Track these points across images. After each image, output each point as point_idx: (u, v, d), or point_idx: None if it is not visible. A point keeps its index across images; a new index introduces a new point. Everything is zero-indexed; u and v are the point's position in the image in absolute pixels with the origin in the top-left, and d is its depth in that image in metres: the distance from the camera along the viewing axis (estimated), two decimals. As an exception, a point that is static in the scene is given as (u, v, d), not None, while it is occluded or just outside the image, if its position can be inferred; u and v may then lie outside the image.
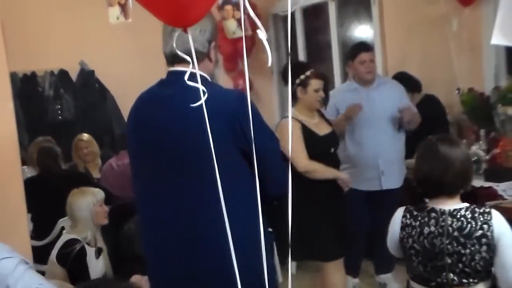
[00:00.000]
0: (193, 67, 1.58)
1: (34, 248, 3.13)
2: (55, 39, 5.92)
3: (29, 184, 3.42)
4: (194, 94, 1.57)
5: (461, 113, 4.27)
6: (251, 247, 1.83)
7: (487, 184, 3.47)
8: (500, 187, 3.40)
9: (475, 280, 2.09)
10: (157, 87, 2.07)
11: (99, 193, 3.32)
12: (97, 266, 3.15)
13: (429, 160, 2.14)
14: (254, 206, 1.97)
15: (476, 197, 3.31)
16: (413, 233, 2.16)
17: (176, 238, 1.98)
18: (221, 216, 1.59)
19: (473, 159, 3.71)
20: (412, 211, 2.20)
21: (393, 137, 3.84)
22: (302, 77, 3.27)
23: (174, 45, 1.69)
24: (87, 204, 3.21)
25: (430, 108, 4.24)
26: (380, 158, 3.75)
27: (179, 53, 1.61)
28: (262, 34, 1.43)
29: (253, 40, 6.19)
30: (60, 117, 5.99)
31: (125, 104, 2.13)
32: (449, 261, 2.08)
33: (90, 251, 3.14)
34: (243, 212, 1.87)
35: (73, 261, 3.05)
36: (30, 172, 4.43)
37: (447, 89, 4.41)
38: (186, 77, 1.54)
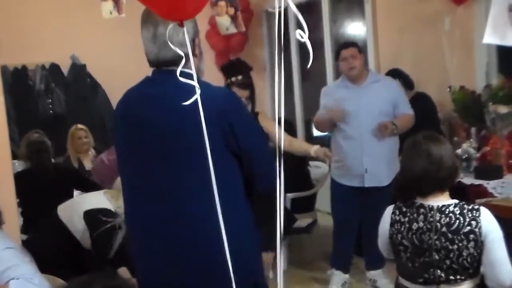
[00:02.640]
0: (182, 66, 1.55)
1: (23, 242, 3.11)
2: (47, 33, 5.89)
3: (19, 178, 3.39)
4: (183, 92, 1.56)
5: (452, 111, 4.28)
6: (240, 241, 1.84)
7: (477, 182, 3.49)
8: (490, 185, 3.42)
9: (462, 277, 2.11)
10: (144, 84, 2.04)
11: None
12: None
13: (414, 157, 2.17)
14: (243, 202, 1.99)
15: (466, 195, 3.32)
16: (402, 229, 2.18)
17: (163, 235, 1.97)
18: (209, 212, 1.58)
19: (464, 156, 3.73)
20: (401, 207, 2.22)
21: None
22: (228, 81, 3.33)
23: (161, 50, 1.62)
24: None
25: (421, 105, 4.24)
26: (366, 156, 3.75)
27: (175, 47, 1.59)
28: (304, 36, 1.42)
29: (246, 36, 6.21)
30: (51, 111, 5.98)
31: (117, 98, 2.12)
32: (436, 257, 2.10)
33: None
34: (232, 208, 1.87)
35: (102, 233, 2.98)
36: (21, 166, 4.39)
37: (438, 87, 4.43)
38: (178, 72, 1.53)
